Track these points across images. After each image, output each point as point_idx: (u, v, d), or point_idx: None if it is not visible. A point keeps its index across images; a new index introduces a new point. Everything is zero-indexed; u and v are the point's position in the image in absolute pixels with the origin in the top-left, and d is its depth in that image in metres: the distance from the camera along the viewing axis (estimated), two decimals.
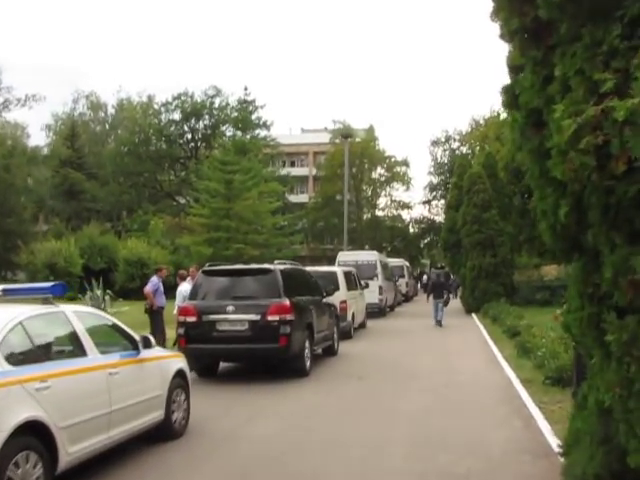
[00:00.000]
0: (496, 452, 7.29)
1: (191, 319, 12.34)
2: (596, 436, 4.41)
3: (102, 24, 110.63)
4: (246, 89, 64.60)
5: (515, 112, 4.17)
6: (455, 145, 71.16)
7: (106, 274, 39.52)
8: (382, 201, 71.80)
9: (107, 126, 74.69)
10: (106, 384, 6.57)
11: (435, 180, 71.69)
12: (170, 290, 16.32)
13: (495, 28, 4.09)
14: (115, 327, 7.52)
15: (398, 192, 70.82)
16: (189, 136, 68.31)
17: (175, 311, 13.83)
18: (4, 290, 6.91)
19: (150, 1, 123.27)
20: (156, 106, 67.43)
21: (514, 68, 4.05)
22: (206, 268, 13.39)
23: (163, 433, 7.90)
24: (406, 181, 69.83)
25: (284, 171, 66.36)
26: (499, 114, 51.42)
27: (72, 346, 6.51)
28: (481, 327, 23.06)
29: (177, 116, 66.37)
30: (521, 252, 35.62)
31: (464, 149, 68.30)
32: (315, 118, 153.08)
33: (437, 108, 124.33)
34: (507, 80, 4.40)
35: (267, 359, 12.59)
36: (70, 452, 5.88)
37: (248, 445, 7.86)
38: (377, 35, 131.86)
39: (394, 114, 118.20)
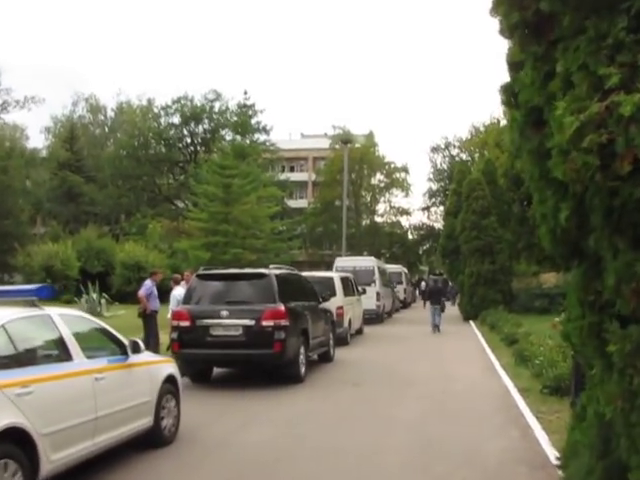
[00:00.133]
0: (492, 462, 7.13)
1: (185, 324, 12.18)
2: (595, 449, 4.24)
3: (102, 27, 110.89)
4: (246, 93, 64.42)
5: (514, 111, 4.01)
6: (455, 152, 71.32)
7: (103, 277, 39.39)
8: (381, 207, 71.95)
9: (106, 129, 74.71)
10: (92, 389, 6.39)
11: (434, 186, 71.83)
12: (166, 294, 16.17)
13: (495, 24, 3.94)
14: (103, 331, 7.35)
15: (397, 198, 71.05)
16: (188, 140, 68.33)
17: (169, 315, 13.66)
18: None
19: (151, 4, 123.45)
20: (156, 109, 67.51)
21: (514, 65, 3.88)
22: (200, 272, 13.23)
23: (152, 440, 7.72)
24: (405, 187, 69.88)
25: (283, 176, 66.24)
26: (499, 121, 51.49)
27: (57, 350, 6.32)
28: (479, 334, 22.92)
29: (176, 120, 66.47)
30: (520, 259, 35.52)
31: (464, 156, 68.31)
32: (315, 124, 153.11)
33: (437, 115, 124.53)
34: (507, 79, 4.25)
35: (261, 365, 12.41)
36: (52, 460, 5.70)
37: (240, 453, 7.71)
38: (378, 41, 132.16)
39: (394, 120, 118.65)
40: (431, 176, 72.13)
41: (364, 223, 68.94)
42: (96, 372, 6.55)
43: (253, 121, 63.83)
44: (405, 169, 69.60)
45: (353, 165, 59.96)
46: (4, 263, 47.91)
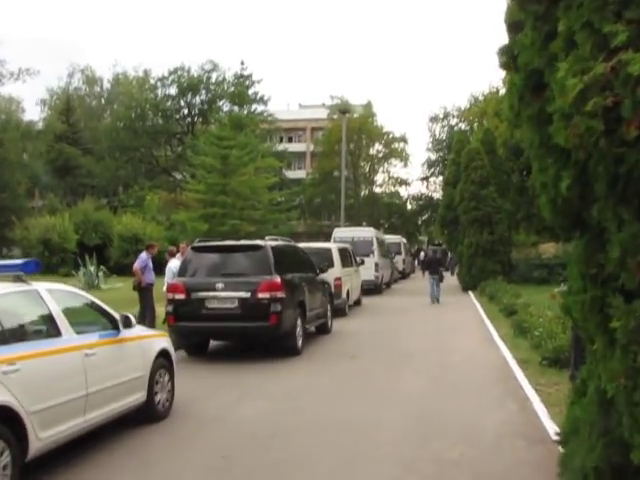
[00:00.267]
0: (490, 437, 7.03)
1: (180, 296, 12.06)
2: (596, 427, 4.11)
3: None
4: (243, 63, 64.40)
5: (513, 75, 3.80)
6: (454, 122, 70.83)
7: (101, 250, 39.35)
8: (380, 177, 71.83)
9: (103, 101, 74.14)
10: (82, 365, 6.26)
11: (433, 157, 71.58)
12: (163, 267, 16.02)
13: None
14: (94, 306, 7.20)
15: (396, 168, 70.88)
16: (185, 111, 67.87)
17: (164, 288, 13.54)
18: None
19: None
20: (152, 81, 67.05)
21: (513, 25, 3.66)
22: (195, 244, 13.07)
23: (146, 415, 7.63)
24: (404, 157, 69.65)
25: (281, 147, 65.99)
26: (498, 90, 50.96)
27: (45, 326, 6.17)
28: (477, 305, 22.84)
29: (173, 91, 65.98)
30: (519, 230, 35.43)
31: (463, 125, 67.84)
32: (313, 94, 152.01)
33: (436, 84, 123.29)
34: (506, 41, 4.02)
35: (257, 337, 12.30)
36: (42, 437, 5.59)
37: (235, 427, 7.63)
38: (376, 9, 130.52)
39: (392, 90, 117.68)
40: (430, 146, 71.88)
41: (363, 194, 68.77)
42: (86, 348, 6.41)
43: (250, 92, 63.43)
44: (404, 139, 69.39)
45: (351, 135, 59.60)
46: (2, 237, 47.81)
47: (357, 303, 22.77)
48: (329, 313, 15.81)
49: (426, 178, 72.19)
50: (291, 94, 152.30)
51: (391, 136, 69.22)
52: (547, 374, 10.08)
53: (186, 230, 40.21)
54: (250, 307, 11.73)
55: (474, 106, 64.22)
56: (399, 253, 39.84)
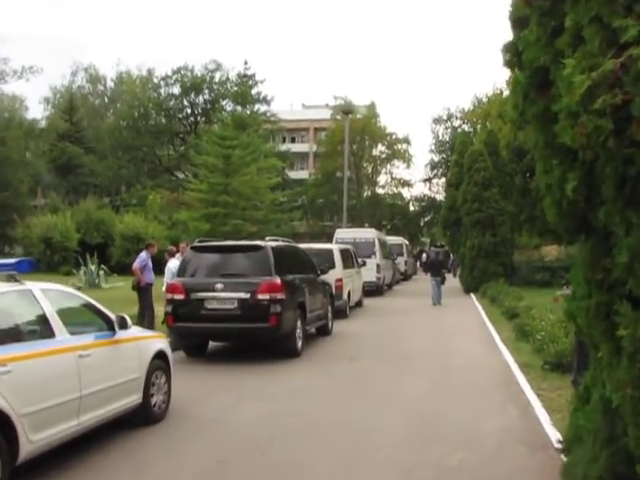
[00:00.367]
0: (491, 442, 6.90)
1: (179, 297, 11.96)
2: (600, 436, 4.00)
3: None
4: (246, 63, 64.08)
5: (518, 72, 3.67)
6: (457, 123, 70.70)
7: (102, 249, 39.25)
8: (382, 178, 71.66)
9: (106, 100, 74.17)
10: (76, 367, 6.15)
11: (436, 158, 71.42)
12: (162, 266, 15.91)
13: None
14: (89, 306, 7.08)
15: (399, 170, 70.84)
16: (188, 110, 67.87)
17: (164, 288, 13.43)
18: None
19: None
20: (155, 80, 67.01)
21: (518, 21, 3.53)
22: (195, 244, 12.97)
23: (142, 417, 7.52)
24: (407, 159, 69.49)
25: (284, 147, 65.87)
26: (502, 92, 50.81)
27: (38, 327, 6.05)
28: (479, 307, 22.72)
29: (177, 90, 65.97)
30: (521, 232, 35.26)
31: (466, 127, 67.72)
32: (316, 94, 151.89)
33: (439, 86, 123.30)
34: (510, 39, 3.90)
35: (257, 339, 12.20)
36: (33, 440, 5.48)
37: (232, 430, 7.53)
38: (380, 10, 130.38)
39: (396, 91, 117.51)
40: (433, 147, 71.75)
41: (365, 194, 68.62)
42: (80, 349, 6.30)
43: (254, 91, 63.33)
44: (407, 140, 69.22)
45: (354, 136, 59.43)
46: (4, 235, 47.85)
47: (359, 304, 22.67)
48: (330, 314, 15.71)
49: (429, 179, 72.11)
50: (294, 94, 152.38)
51: (394, 137, 69.07)
52: (549, 379, 9.95)
53: (188, 230, 40.09)
54: (250, 308, 11.62)
55: (477, 108, 64.08)
56: (401, 254, 39.75)
